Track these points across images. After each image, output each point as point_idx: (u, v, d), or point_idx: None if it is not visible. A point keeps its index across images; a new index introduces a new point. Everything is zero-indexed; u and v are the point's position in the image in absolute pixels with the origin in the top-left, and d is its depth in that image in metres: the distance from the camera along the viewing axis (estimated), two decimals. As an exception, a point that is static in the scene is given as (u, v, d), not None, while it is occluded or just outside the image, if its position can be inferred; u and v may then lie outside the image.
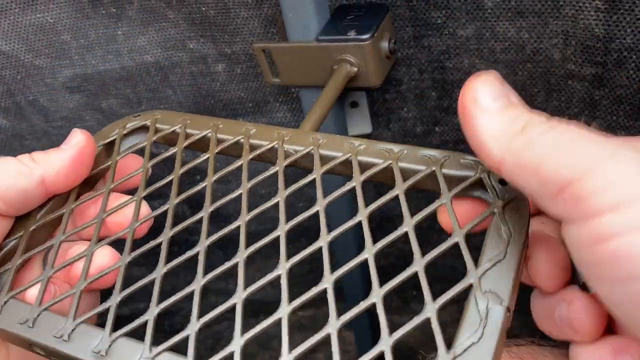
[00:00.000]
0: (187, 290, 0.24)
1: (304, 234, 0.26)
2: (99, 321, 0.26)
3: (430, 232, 0.43)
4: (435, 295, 0.21)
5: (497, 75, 0.22)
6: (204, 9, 0.40)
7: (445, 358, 0.20)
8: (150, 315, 0.24)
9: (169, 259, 0.26)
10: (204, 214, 0.27)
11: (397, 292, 0.60)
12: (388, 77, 0.39)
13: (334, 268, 0.23)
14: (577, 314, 0.23)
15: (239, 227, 0.26)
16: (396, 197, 0.25)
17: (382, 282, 0.22)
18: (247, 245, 0.25)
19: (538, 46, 0.37)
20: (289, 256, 0.24)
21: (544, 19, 0.36)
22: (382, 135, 0.45)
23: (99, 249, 0.28)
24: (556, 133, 0.19)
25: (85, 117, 0.47)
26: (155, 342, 0.23)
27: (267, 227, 0.26)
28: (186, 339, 0.23)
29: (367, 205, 0.25)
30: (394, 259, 0.55)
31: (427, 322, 0.21)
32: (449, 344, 0.20)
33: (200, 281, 0.25)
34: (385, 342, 0.21)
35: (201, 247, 0.26)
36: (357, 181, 0.26)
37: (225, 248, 0.46)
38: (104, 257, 0.28)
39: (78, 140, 0.30)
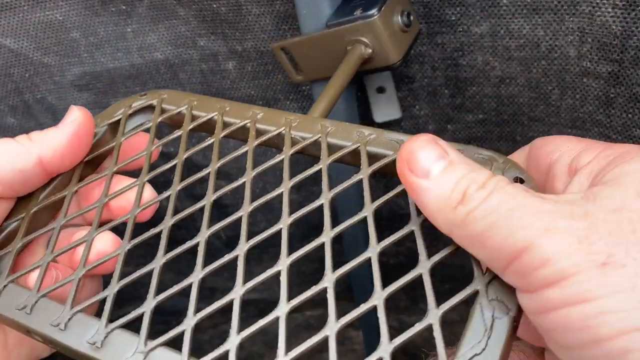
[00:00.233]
0: (185, 282, 0.24)
1: (312, 233, 0.26)
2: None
3: (440, 231, 0.42)
4: (442, 295, 0.21)
5: (429, 136, 0.22)
6: (215, 5, 0.40)
7: None
8: (147, 308, 0.23)
9: (173, 249, 0.25)
10: (206, 202, 0.26)
11: (406, 292, 0.59)
12: (409, 54, 0.37)
13: (342, 266, 0.23)
14: None
15: (240, 218, 0.25)
16: (404, 193, 0.24)
17: (390, 282, 0.22)
18: (250, 239, 0.24)
19: (553, 43, 0.37)
20: (294, 253, 0.23)
21: (560, 15, 0.35)
22: (393, 134, 0.45)
23: (100, 234, 0.27)
24: (494, 203, 0.19)
25: (94, 115, 0.47)
26: (158, 337, 0.23)
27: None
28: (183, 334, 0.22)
29: (374, 199, 0.24)
30: (403, 258, 0.55)
31: (430, 328, 0.20)
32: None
33: (198, 274, 0.24)
34: (384, 349, 0.20)
35: (201, 238, 0.25)
36: (364, 174, 0.25)
37: (232, 247, 0.46)
38: (105, 243, 0.27)
39: (75, 117, 0.29)
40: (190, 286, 0.24)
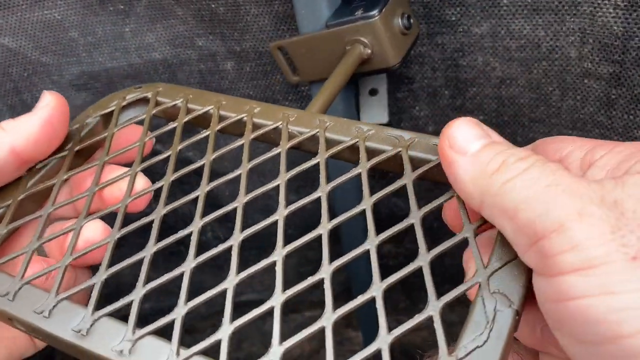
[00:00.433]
0: (177, 271, 0.23)
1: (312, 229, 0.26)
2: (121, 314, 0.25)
3: (441, 232, 0.42)
4: (443, 295, 0.20)
5: (472, 119, 0.22)
6: (213, 5, 0.40)
7: None
8: (135, 296, 0.23)
9: (168, 244, 0.24)
10: (200, 192, 0.26)
11: (406, 293, 0.59)
12: (407, 56, 0.37)
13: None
14: None
15: (235, 211, 0.25)
16: (404, 189, 0.24)
17: (403, 284, 0.21)
18: (244, 231, 0.24)
19: (554, 44, 0.36)
20: (290, 244, 0.23)
21: (561, 16, 0.35)
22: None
23: (90, 222, 0.26)
24: (533, 176, 0.19)
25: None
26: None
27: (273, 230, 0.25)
28: (174, 323, 0.22)
29: (373, 194, 0.24)
30: (402, 259, 0.55)
31: (430, 320, 0.20)
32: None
33: (190, 263, 0.23)
34: (383, 339, 0.19)
35: (194, 228, 0.24)
36: (363, 168, 0.25)
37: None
38: (95, 231, 0.27)
39: (48, 102, 0.28)
40: (181, 276, 0.23)
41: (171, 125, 0.30)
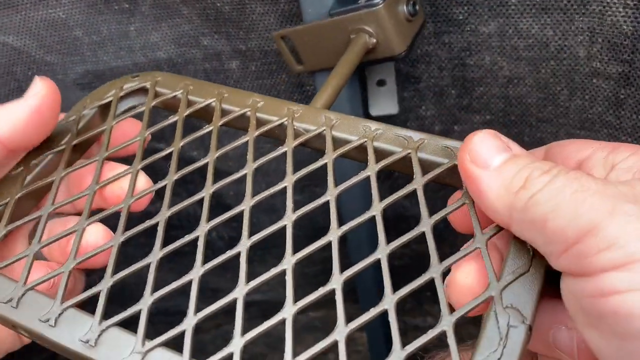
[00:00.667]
0: (185, 279, 0.22)
1: (318, 234, 0.25)
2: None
3: (447, 232, 0.42)
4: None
5: (492, 131, 0.22)
6: (218, 4, 0.40)
7: None
8: (143, 305, 0.22)
9: (168, 242, 0.24)
10: (205, 193, 0.25)
11: (411, 293, 0.59)
12: (414, 44, 0.36)
13: (347, 268, 0.22)
14: (583, 343, 0.21)
15: (242, 214, 0.24)
16: (414, 194, 0.23)
17: (395, 284, 0.21)
18: (252, 237, 0.23)
19: (563, 43, 0.36)
20: (299, 252, 0.22)
21: (570, 15, 0.35)
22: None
23: (91, 226, 0.26)
24: (558, 186, 0.19)
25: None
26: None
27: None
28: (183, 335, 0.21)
29: (379, 194, 0.23)
30: (408, 260, 0.54)
31: (444, 335, 0.19)
32: None
33: (198, 270, 0.23)
34: (397, 356, 0.19)
35: (201, 232, 0.24)
36: (371, 170, 0.24)
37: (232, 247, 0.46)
38: (97, 235, 0.26)
39: (38, 90, 0.27)
40: (190, 284, 0.22)
41: (171, 119, 0.29)
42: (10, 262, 0.25)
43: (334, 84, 0.31)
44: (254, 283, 0.22)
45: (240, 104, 0.28)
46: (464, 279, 0.21)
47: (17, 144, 0.27)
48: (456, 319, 0.20)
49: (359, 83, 0.41)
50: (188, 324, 0.21)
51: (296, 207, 0.24)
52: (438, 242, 0.22)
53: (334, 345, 0.20)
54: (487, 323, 0.19)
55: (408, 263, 0.55)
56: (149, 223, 0.25)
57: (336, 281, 0.21)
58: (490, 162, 0.21)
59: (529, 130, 0.41)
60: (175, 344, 0.22)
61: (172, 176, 0.26)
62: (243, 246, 0.23)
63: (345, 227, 0.23)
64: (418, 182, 0.24)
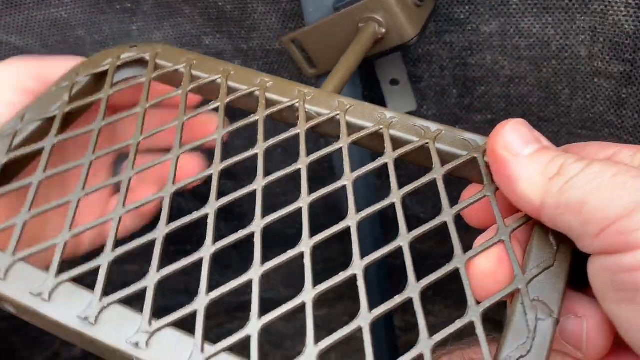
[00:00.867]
0: (195, 257, 0.21)
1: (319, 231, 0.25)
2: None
3: (447, 230, 0.42)
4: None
5: (525, 122, 0.22)
6: (220, 4, 0.40)
7: None
8: (150, 282, 0.20)
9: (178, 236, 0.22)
10: (214, 171, 0.24)
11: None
12: (425, 31, 0.35)
13: (346, 265, 0.21)
14: (592, 332, 0.21)
15: (254, 192, 0.23)
16: (433, 183, 0.23)
17: (396, 282, 0.21)
18: (266, 218, 0.22)
19: (564, 43, 0.36)
20: (319, 238, 0.21)
21: (571, 14, 0.35)
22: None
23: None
24: (595, 171, 0.20)
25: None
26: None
27: (285, 226, 0.24)
28: (194, 316, 0.20)
29: (381, 195, 0.23)
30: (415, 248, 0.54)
31: (472, 326, 0.19)
32: None
33: (209, 248, 0.21)
34: (425, 344, 0.19)
35: (210, 210, 0.22)
36: (389, 158, 0.24)
37: (239, 248, 0.46)
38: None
39: None
40: (194, 270, 0.21)
41: (174, 93, 0.27)
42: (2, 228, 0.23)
43: (343, 71, 0.30)
44: (270, 265, 0.21)
45: (248, 82, 0.27)
46: (486, 265, 0.21)
47: None
48: (484, 310, 0.19)
49: (365, 84, 0.41)
50: (200, 304, 0.20)
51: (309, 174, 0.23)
52: (442, 239, 0.22)
53: (336, 344, 0.20)
54: (514, 315, 0.19)
55: (416, 250, 0.55)
56: (151, 197, 0.23)
57: (357, 266, 0.20)
58: (523, 150, 0.21)
59: (531, 130, 0.41)
60: (184, 327, 0.20)
61: (177, 151, 0.25)
62: (257, 226, 0.22)
63: (364, 213, 0.22)
64: (438, 172, 0.23)
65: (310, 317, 0.19)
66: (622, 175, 0.19)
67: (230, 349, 0.19)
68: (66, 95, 0.27)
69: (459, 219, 0.22)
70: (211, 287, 0.20)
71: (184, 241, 0.26)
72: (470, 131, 0.43)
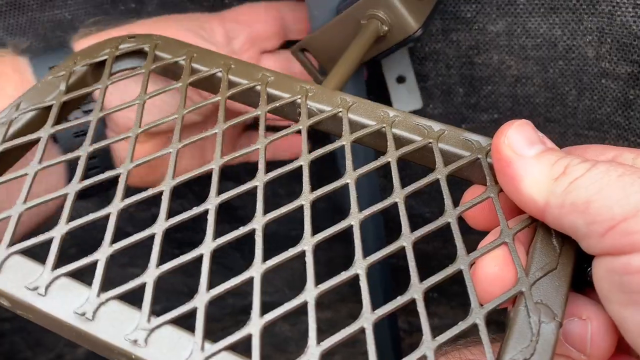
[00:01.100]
0: (195, 253, 0.20)
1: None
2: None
3: (448, 231, 0.41)
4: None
5: (530, 122, 0.22)
6: (226, 1, 0.40)
7: None
8: (149, 277, 0.20)
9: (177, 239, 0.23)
10: (214, 166, 0.23)
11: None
12: (429, 24, 0.35)
13: (349, 265, 0.21)
14: (597, 334, 0.21)
15: (255, 188, 0.22)
16: (436, 182, 0.23)
17: (399, 283, 0.21)
18: (268, 214, 0.21)
19: (571, 43, 0.36)
20: (321, 236, 0.21)
21: (579, 15, 0.35)
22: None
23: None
24: (600, 171, 0.19)
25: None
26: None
27: (290, 228, 0.24)
28: (194, 313, 0.19)
29: (384, 196, 0.22)
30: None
31: (475, 328, 0.19)
32: None
33: (209, 244, 0.20)
34: (427, 346, 0.19)
35: (211, 205, 0.22)
36: (392, 156, 0.23)
37: (243, 251, 0.45)
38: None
39: None
40: (200, 259, 0.20)
41: (174, 85, 0.27)
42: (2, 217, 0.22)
43: (345, 68, 0.30)
44: (271, 262, 0.20)
45: (249, 76, 0.27)
46: (492, 268, 0.21)
47: None
48: (487, 312, 0.19)
49: (370, 83, 0.41)
50: (200, 301, 0.19)
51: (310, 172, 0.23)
52: (444, 241, 0.22)
53: (340, 345, 0.19)
54: (517, 318, 0.19)
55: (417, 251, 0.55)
56: (152, 191, 0.23)
57: (360, 266, 0.20)
58: (528, 150, 0.21)
59: (537, 130, 0.41)
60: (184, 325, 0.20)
61: (177, 145, 0.24)
62: (258, 223, 0.21)
63: (367, 212, 0.22)
64: (441, 172, 0.23)
65: (313, 316, 0.19)
66: (629, 176, 0.19)
67: (231, 348, 0.18)
68: (63, 84, 0.27)
69: (461, 220, 0.22)
70: (210, 280, 0.20)
71: (187, 243, 0.26)
72: (476, 130, 0.43)
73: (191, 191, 0.45)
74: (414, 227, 0.22)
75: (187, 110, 0.26)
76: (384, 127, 0.25)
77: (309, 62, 0.37)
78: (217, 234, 0.22)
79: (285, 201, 0.23)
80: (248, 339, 0.18)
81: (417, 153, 0.24)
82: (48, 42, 0.42)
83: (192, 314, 0.19)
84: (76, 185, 0.23)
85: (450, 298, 0.53)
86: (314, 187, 0.23)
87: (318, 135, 0.27)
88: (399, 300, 0.19)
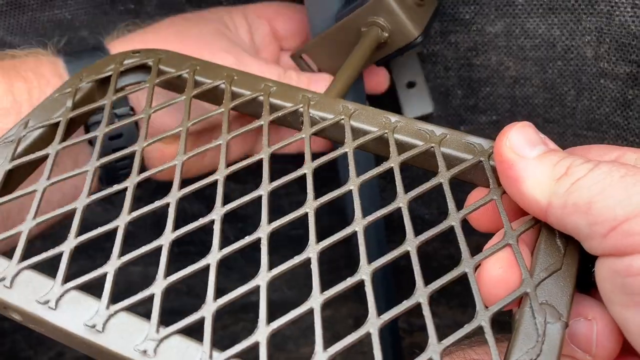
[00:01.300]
0: (202, 263, 0.21)
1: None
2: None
3: (452, 233, 0.42)
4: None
5: (531, 124, 0.22)
6: (225, 3, 0.40)
7: None
8: (157, 289, 0.20)
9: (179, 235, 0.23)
10: (219, 176, 0.24)
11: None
12: (429, 30, 0.35)
13: (352, 264, 0.21)
14: (602, 334, 0.21)
15: (260, 198, 0.23)
16: (439, 186, 0.23)
17: (400, 281, 0.21)
18: (272, 223, 0.22)
19: (570, 43, 0.36)
20: (326, 243, 0.21)
21: (577, 15, 0.35)
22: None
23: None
24: (603, 172, 0.19)
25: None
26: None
27: (290, 228, 0.24)
28: (201, 322, 0.19)
29: (386, 200, 0.23)
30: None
31: (481, 330, 0.19)
32: None
33: (216, 254, 0.21)
34: (434, 349, 0.19)
35: (216, 216, 0.22)
36: (395, 162, 0.24)
37: (243, 250, 0.45)
38: None
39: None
40: (207, 268, 0.21)
41: (178, 99, 0.27)
42: (5, 237, 0.22)
43: (347, 75, 0.30)
44: (277, 271, 0.20)
45: (251, 87, 0.27)
46: (496, 270, 0.21)
47: None
48: (492, 314, 0.19)
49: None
50: (207, 311, 0.19)
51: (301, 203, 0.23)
52: (445, 242, 0.22)
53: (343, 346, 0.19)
54: (522, 319, 0.19)
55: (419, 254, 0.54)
56: (158, 203, 0.23)
57: (364, 272, 0.20)
58: (530, 151, 0.21)
59: (536, 131, 0.41)
60: (191, 334, 0.20)
61: (182, 157, 0.25)
62: (263, 232, 0.22)
63: (370, 217, 0.22)
64: (444, 176, 0.23)
65: (319, 323, 0.19)
66: (632, 177, 0.19)
67: (239, 356, 0.19)
68: (69, 101, 0.27)
69: (465, 222, 0.22)
70: (216, 289, 0.20)
71: (187, 242, 0.26)
72: (475, 132, 0.43)
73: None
74: (413, 229, 0.22)
75: (192, 123, 0.26)
76: (386, 133, 0.25)
77: (308, 67, 0.37)
78: (221, 235, 0.22)
79: (284, 201, 0.23)
80: (255, 347, 0.19)
81: (420, 157, 0.24)
82: (83, 43, 0.42)
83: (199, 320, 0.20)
84: (84, 200, 0.23)
85: (450, 298, 0.54)
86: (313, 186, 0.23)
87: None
88: (405, 305, 0.20)
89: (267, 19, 0.37)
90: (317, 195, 0.23)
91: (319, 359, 0.18)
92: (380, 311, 0.19)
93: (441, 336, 0.19)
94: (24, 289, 0.20)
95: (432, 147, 0.24)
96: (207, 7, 0.40)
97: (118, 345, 0.19)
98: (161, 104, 0.27)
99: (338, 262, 0.49)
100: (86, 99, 0.28)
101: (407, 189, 0.24)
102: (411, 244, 0.21)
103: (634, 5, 0.32)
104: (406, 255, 0.22)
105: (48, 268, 0.22)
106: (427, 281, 0.21)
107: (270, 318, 0.20)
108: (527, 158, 0.21)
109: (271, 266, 0.21)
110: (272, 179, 0.24)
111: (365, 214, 0.22)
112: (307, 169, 0.24)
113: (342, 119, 0.26)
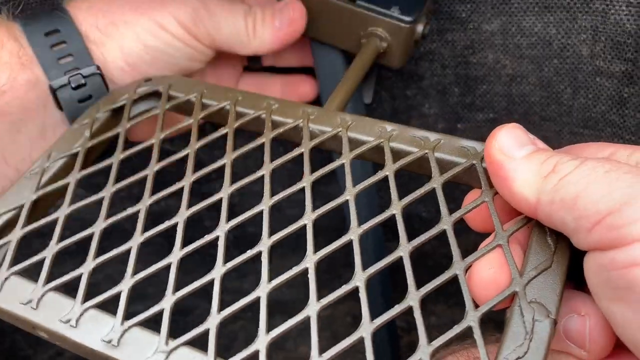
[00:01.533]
0: (207, 278, 0.23)
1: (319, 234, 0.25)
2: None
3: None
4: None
5: (520, 126, 0.23)
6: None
7: None
8: (166, 304, 0.22)
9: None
10: (224, 194, 0.25)
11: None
12: (410, 71, 0.37)
13: (349, 266, 0.22)
14: (595, 329, 0.21)
15: (261, 213, 0.24)
16: (432, 192, 0.24)
17: (397, 280, 0.21)
18: (272, 236, 0.23)
19: (566, 42, 0.36)
20: (323, 253, 0.22)
21: (573, 13, 0.35)
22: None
23: None
24: (589, 168, 0.20)
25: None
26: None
27: (289, 207, 0.25)
28: (206, 333, 0.21)
29: (384, 203, 0.24)
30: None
31: (470, 330, 0.20)
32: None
33: (220, 269, 0.23)
34: (423, 351, 0.19)
35: (221, 232, 0.24)
36: (390, 170, 0.25)
37: (239, 246, 0.46)
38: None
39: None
40: (211, 283, 0.22)
41: (186, 122, 0.29)
42: (29, 264, 0.24)
43: (347, 87, 0.31)
44: (276, 282, 0.22)
45: (254, 106, 0.29)
46: (486, 271, 0.21)
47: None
48: (481, 314, 0.20)
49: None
50: (212, 323, 0.21)
51: (300, 205, 0.24)
52: (443, 241, 0.22)
53: (337, 342, 0.20)
54: (512, 318, 0.20)
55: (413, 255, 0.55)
56: (168, 223, 0.25)
57: (359, 279, 0.21)
58: (518, 152, 0.22)
59: (533, 129, 0.41)
60: (197, 344, 0.21)
61: (190, 178, 0.26)
62: (264, 245, 0.23)
63: (365, 226, 0.23)
64: (437, 182, 0.24)
65: (315, 330, 0.20)
66: (615, 172, 0.19)
67: None
68: (87, 131, 0.30)
69: (461, 220, 0.23)
70: (220, 302, 0.22)
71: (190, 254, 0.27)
72: (472, 130, 0.43)
73: (200, 192, 0.46)
74: (411, 228, 0.23)
75: (199, 145, 0.28)
76: (381, 142, 0.26)
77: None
78: (213, 225, 0.24)
79: (283, 204, 0.24)
80: (255, 355, 0.20)
81: (414, 164, 0.25)
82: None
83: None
84: (101, 224, 0.25)
85: (448, 296, 0.54)
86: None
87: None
88: (397, 309, 0.20)
89: None
90: (316, 194, 0.24)
91: None
92: (379, 308, 0.20)
93: (437, 336, 0.20)
94: (49, 310, 0.23)
95: (426, 153, 0.25)
96: None
97: (132, 358, 0.21)
98: (170, 129, 0.29)
99: (336, 260, 0.50)
100: (103, 129, 0.30)
101: (405, 187, 0.25)
102: (404, 249, 0.22)
103: (629, 4, 0.33)
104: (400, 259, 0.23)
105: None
106: (422, 280, 0.21)
107: (269, 317, 0.21)
108: (516, 158, 0.22)
109: (270, 263, 0.22)
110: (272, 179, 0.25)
111: (362, 211, 0.23)
112: (306, 182, 0.25)
113: (340, 131, 0.27)
